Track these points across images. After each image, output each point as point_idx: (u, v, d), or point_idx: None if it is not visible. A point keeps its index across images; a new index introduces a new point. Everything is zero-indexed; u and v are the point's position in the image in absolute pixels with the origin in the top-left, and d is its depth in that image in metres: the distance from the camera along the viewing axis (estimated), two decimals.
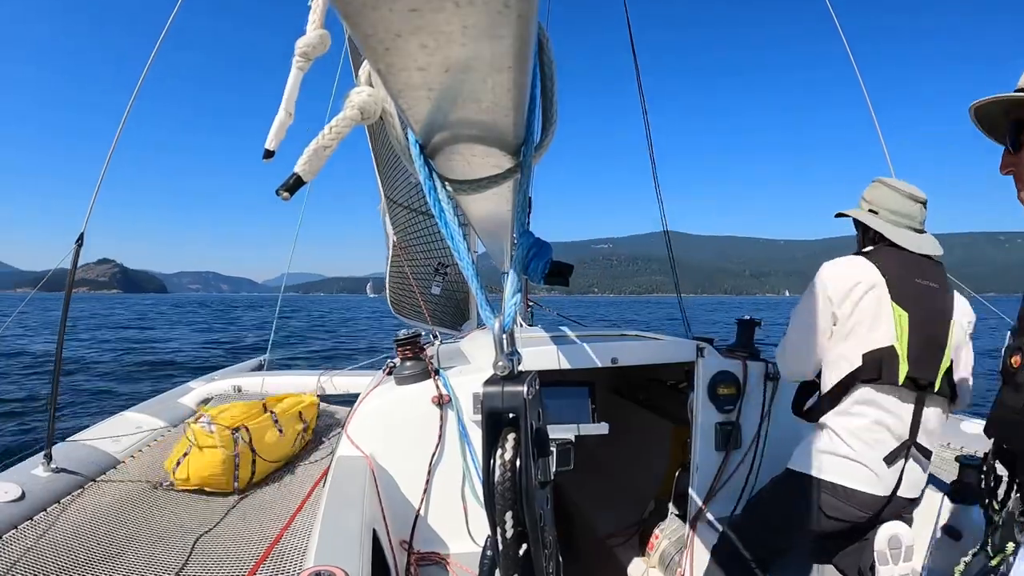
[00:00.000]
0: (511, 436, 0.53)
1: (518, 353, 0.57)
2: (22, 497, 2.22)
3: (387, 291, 4.05)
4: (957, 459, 1.97)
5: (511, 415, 0.53)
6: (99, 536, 2.14)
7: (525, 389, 0.53)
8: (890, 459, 1.63)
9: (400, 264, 4.05)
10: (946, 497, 1.96)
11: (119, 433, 3.05)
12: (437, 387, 2.02)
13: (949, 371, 1.67)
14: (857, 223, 1.89)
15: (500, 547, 0.55)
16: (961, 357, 1.74)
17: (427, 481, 1.99)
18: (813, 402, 1.83)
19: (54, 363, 2.65)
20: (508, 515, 0.53)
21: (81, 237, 2.65)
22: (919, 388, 1.64)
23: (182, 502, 2.53)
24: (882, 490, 1.63)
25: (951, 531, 1.90)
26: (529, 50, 0.41)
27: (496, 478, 0.52)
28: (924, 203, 1.79)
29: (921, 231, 1.79)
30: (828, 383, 1.72)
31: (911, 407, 1.65)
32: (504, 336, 0.57)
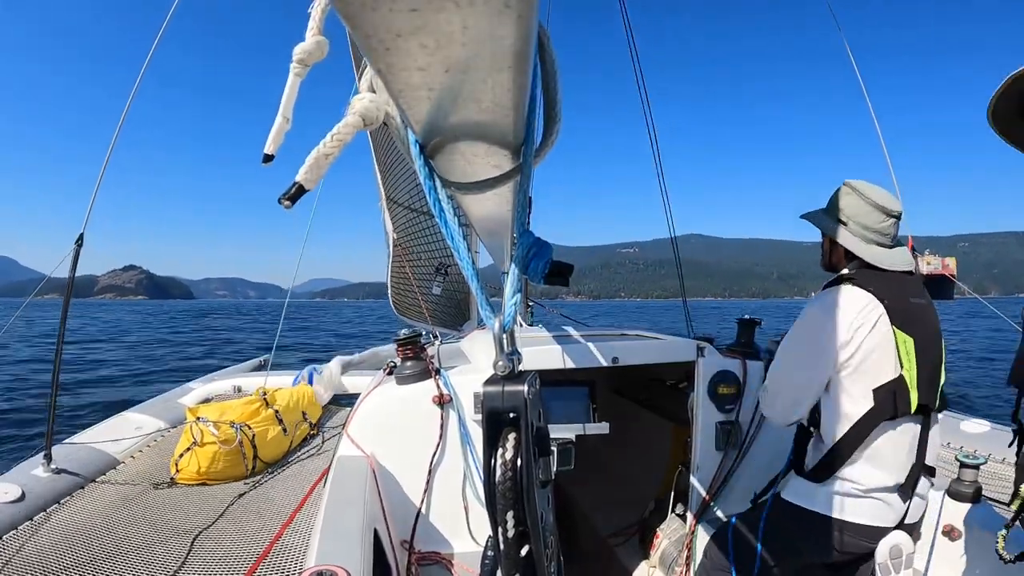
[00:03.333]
0: (512, 435, 0.53)
1: (518, 353, 0.57)
2: (22, 497, 2.23)
3: (388, 291, 4.05)
4: (957, 459, 1.97)
5: (512, 414, 0.53)
6: (99, 536, 2.14)
7: (525, 389, 0.53)
8: (903, 490, 1.54)
9: (401, 264, 4.05)
10: (946, 496, 1.96)
11: (119, 434, 3.05)
12: (438, 387, 2.02)
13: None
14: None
15: (502, 547, 0.55)
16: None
17: (428, 481, 1.99)
18: (821, 458, 1.61)
19: (53, 365, 2.65)
20: (509, 515, 0.53)
21: (81, 238, 2.65)
22: (924, 412, 1.56)
23: (182, 501, 2.53)
24: (892, 520, 1.55)
25: (951, 530, 1.91)
26: (529, 50, 0.41)
27: (497, 477, 0.52)
28: (899, 217, 1.62)
29: (892, 246, 1.65)
30: (837, 432, 1.55)
31: (918, 431, 1.57)
32: (504, 336, 0.57)
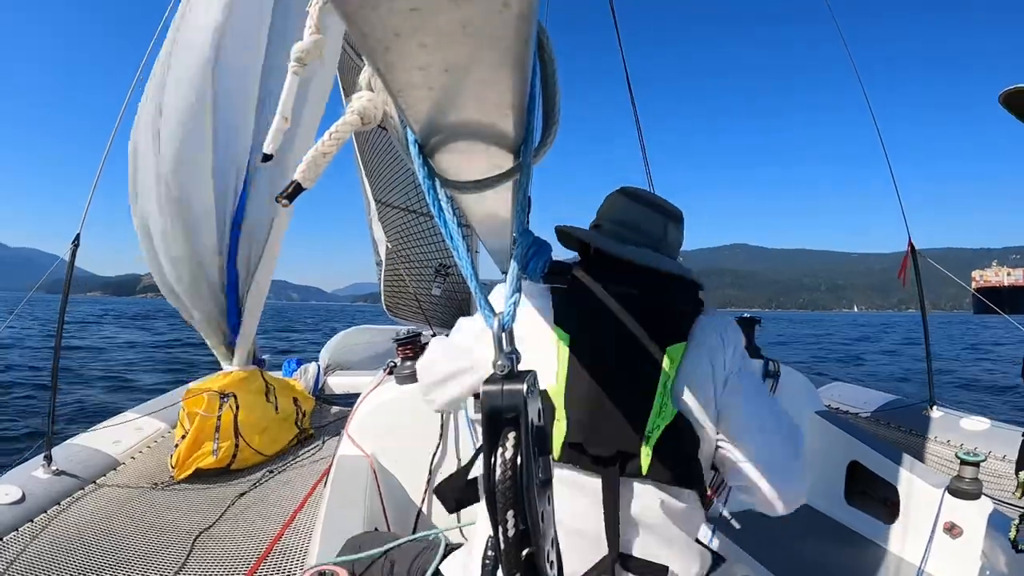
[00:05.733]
0: (511, 434, 0.53)
1: (517, 352, 0.57)
2: (22, 499, 2.23)
3: (381, 294, 4.05)
4: (957, 456, 1.98)
5: (511, 414, 0.53)
6: (100, 537, 2.14)
7: (525, 387, 0.53)
8: None
9: (396, 266, 4.05)
10: (946, 493, 1.96)
11: (119, 434, 3.05)
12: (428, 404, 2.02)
13: None
14: None
15: (502, 546, 0.55)
16: None
17: (428, 480, 1.99)
18: None
19: (52, 364, 2.65)
20: (509, 514, 0.53)
21: (77, 238, 2.66)
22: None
23: (182, 501, 2.54)
24: None
25: (952, 528, 1.91)
26: (529, 50, 0.41)
27: (497, 477, 0.52)
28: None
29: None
30: None
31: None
32: (503, 335, 0.57)
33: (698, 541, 1.08)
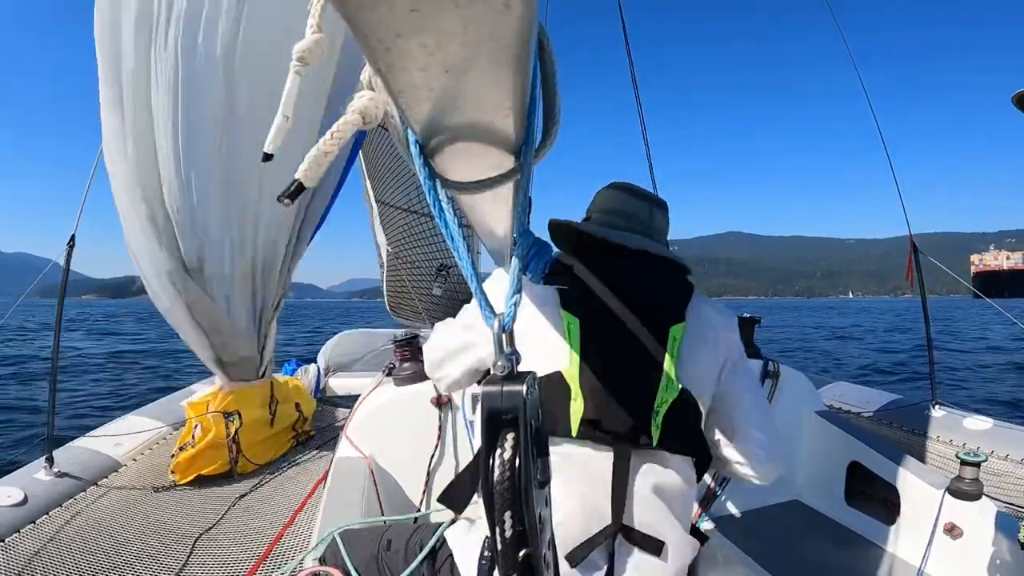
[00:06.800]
0: (510, 436, 0.53)
1: (517, 353, 0.57)
2: (24, 501, 2.23)
3: (384, 294, 4.06)
4: (958, 456, 1.97)
5: (510, 415, 0.53)
6: (100, 538, 2.14)
7: (524, 389, 0.53)
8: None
9: (397, 268, 4.05)
10: (947, 493, 1.96)
11: (121, 436, 3.05)
12: (436, 388, 2.02)
13: None
14: None
15: (499, 547, 0.55)
16: None
17: (427, 482, 1.99)
18: None
19: (51, 366, 2.65)
20: (507, 515, 0.53)
21: (72, 239, 2.65)
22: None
23: (183, 503, 2.54)
24: None
25: (952, 528, 1.90)
26: (529, 51, 0.41)
27: (495, 478, 0.52)
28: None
29: None
30: None
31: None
32: (503, 336, 0.57)
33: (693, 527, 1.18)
